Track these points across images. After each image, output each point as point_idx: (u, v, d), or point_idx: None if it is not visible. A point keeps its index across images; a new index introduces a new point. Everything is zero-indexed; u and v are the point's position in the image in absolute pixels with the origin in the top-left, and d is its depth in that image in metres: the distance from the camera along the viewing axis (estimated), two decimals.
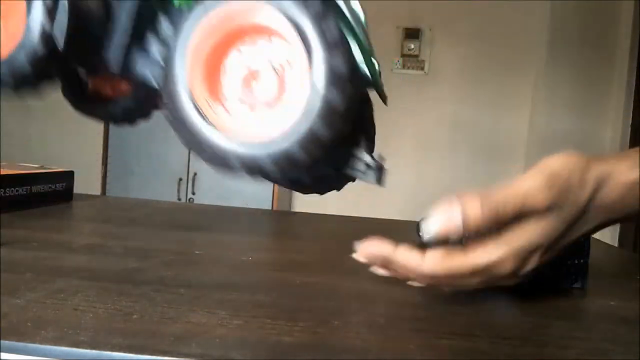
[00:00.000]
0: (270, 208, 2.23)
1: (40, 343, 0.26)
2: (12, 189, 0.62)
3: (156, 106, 0.45)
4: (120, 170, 2.46)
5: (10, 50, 0.37)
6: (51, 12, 0.37)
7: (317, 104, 0.31)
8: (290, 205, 2.61)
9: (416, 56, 2.50)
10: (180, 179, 2.41)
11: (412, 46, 2.48)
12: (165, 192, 2.38)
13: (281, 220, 0.76)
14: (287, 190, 2.52)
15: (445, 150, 2.55)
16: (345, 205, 1.67)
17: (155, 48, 0.39)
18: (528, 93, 2.47)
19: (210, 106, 0.34)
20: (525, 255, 0.34)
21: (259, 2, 0.32)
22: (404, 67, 2.53)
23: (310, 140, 0.32)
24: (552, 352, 0.29)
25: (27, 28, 0.37)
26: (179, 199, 2.41)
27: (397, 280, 0.43)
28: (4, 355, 0.25)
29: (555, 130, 2.35)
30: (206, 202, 2.22)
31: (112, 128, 2.43)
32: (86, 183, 1.39)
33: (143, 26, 0.39)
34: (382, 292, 0.40)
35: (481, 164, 2.49)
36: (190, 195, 2.42)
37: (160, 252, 0.47)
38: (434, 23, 2.50)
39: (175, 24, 0.36)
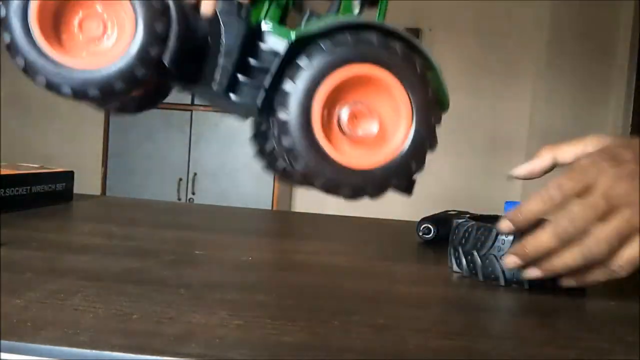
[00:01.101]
0: (270, 208, 2.23)
1: (40, 343, 0.26)
2: (12, 189, 0.62)
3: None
4: (120, 170, 2.46)
5: (106, 64, 0.37)
6: (162, 38, 0.37)
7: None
8: (290, 205, 2.61)
9: None
10: (180, 179, 2.41)
11: None
12: (165, 192, 2.38)
13: (281, 220, 0.76)
14: (287, 190, 2.52)
15: (446, 148, 2.54)
16: (345, 205, 1.66)
17: (256, 72, 0.40)
18: (528, 93, 2.47)
19: None
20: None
21: None
22: None
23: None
24: (552, 352, 0.29)
25: (132, 46, 0.37)
26: (179, 199, 2.41)
27: (397, 281, 0.43)
28: (4, 355, 0.25)
29: (556, 130, 2.35)
30: (206, 202, 2.22)
31: (112, 128, 2.43)
32: (86, 183, 1.39)
33: (245, 50, 0.40)
34: (382, 292, 0.40)
35: (481, 162, 2.49)
36: (190, 195, 2.42)
37: (160, 252, 0.47)
38: (434, 23, 2.51)
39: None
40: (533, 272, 0.39)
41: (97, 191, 2.42)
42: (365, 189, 0.39)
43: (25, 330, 0.27)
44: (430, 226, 0.59)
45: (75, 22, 0.38)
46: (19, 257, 0.42)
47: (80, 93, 0.37)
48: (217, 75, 0.39)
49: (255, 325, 0.30)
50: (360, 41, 0.38)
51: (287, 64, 0.38)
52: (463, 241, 0.44)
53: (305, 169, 0.38)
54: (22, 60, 0.36)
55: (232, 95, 0.40)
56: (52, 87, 0.36)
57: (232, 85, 0.39)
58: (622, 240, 0.37)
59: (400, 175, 0.39)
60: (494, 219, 0.43)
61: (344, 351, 0.27)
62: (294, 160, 0.38)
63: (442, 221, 0.58)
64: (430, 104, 0.39)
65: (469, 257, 0.43)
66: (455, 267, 0.45)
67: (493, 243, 0.41)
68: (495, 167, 2.45)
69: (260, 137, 0.47)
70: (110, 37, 0.38)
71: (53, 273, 0.38)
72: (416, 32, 2.49)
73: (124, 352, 0.25)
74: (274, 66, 0.39)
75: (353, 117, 0.38)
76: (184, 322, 0.30)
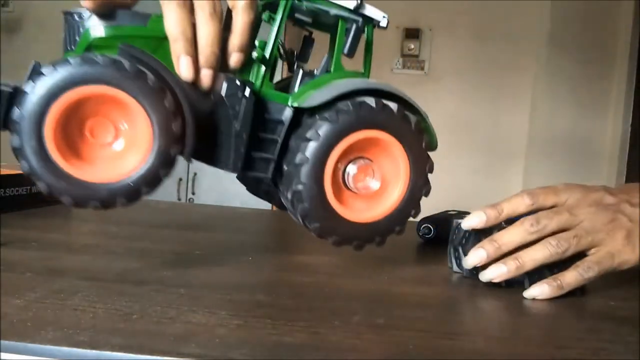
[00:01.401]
0: (270, 208, 2.22)
1: (40, 343, 0.26)
2: (12, 189, 0.62)
3: None
4: None
5: (128, 173, 0.36)
6: (179, 135, 0.36)
7: None
8: None
9: (416, 56, 2.50)
10: (180, 179, 2.41)
11: (412, 46, 2.48)
12: (165, 192, 2.38)
13: (281, 220, 0.76)
14: None
15: (445, 149, 2.54)
16: None
17: (267, 146, 0.40)
18: (528, 93, 2.47)
19: None
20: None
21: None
22: (404, 67, 2.53)
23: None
24: (552, 352, 0.29)
25: (152, 153, 0.36)
26: (179, 199, 2.41)
27: (397, 281, 0.43)
28: (4, 355, 0.25)
29: (556, 130, 2.35)
30: (206, 202, 2.22)
31: None
32: None
33: (255, 126, 0.40)
34: (382, 292, 0.40)
35: (481, 163, 2.49)
36: (190, 195, 2.41)
37: (160, 252, 0.47)
38: (434, 23, 2.50)
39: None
40: (498, 269, 0.40)
41: None
42: (373, 239, 0.42)
43: (25, 330, 0.27)
44: (430, 226, 0.59)
45: (87, 131, 0.36)
46: (19, 257, 0.42)
47: (108, 204, 0.36)
48: (231, 159, 0.39)
49: (255, 325, 0.30)
50: (361, 107, 0.39)
51: (292, 128, 0.40)
52: (463, 241, 0.44)
53: (319, 230, 0.40)
54: (45, 185, 0.35)
55: (248, 173, 0.40)
56: (79, 204, 0.35)
57: (245, 161, 0.40)
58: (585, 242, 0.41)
59: (402, 222, 0.42)
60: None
61: (344, 351, 0.27)
62: (308, 222, 0.40)
63: (442, 221, 0.58)
64: (425, 156, 0.42)
65: None
66: (455, 267, 0.45)
67: None
68: (495, 167, 2.44)
69: (250, 182, 0.48)
70: (122, 139, 0.37)
71: (53, 273, 0.38)
72: (416, 32, 2.49)
73: (124, 352, 0.25)
74: (280, 136, 0.40)
75: (358, 174, 0.41)
76: (184, 322, 0.30)
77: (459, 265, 0.44)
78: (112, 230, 0.57)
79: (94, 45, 0.37)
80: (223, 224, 0.67)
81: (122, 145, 0.37)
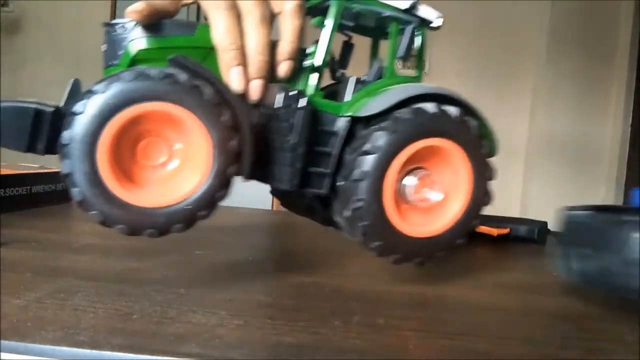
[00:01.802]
0: (270, 208, 2.22)
1: (40, 343, 0.26)
2: (12, 189, 0.62)
3: None
4: None
5: (185, 196, 0.33)
6: (237, 153, 0.34)
7: None
8: None
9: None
10: None
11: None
12: None
13: (281, 220, 0.76)
14: None
15: None
16: None
17: (321, 159, 0.38)
18: (528, 93, 2.47)
19: None
20: None
21: None
22: (404, 67, 2.53)
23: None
24: (552, 352, 0.29)
25: (210, 175, 0.33)
26: None
27: (398, 281, 0.43)
28: (4, 355, 0.25)
29: (555, 130, 2.35)
30: None
31: None
32: None
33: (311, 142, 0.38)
34: (383, 292, 0.40)
35: None
36: None
37: (160, 252, 0.47)
38: None
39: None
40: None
41: None
42: (436, 254, 0.39)
43: (25, 330, 0.27)
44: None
45: (139, 152, 0.33)
46: (19, 257, 0.42)
47: (165, 231, 0.33)
48: (287, 175, 0.37)
49: (255, 325, 0.30)
50: (419, 114, 0.37)
51: (347, 140, 0.38)
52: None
53: (381, 248, 0.38)
54: (99, 214, 0.32)
55: (304, 189, 0.38)
56: (134, 232, 0.33)
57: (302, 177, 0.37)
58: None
59: (464, 234, 0.40)
60: (619, 210, 0.38)
61: (344, 351, 0.27)
62: (369, 241, 0.38)
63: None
64: (486, 163, 0.40)
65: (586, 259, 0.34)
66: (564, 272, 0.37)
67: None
68: (496, 167, 2.44)
69: (289, 197, 0.45)
70: (176, 159, 0.34)
71: (53, 273, 0.38)
72: None
73: (124, 352, 0.25)
74: (336, 149, 0.37)
75: (418, 186, 0.38)
76: (184, 322, 0.30)
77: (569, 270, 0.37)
78: (112, 230, 0.57)
79: (138, 59, 0.35)
80: (223, 224, 0.67)
81: (177, 166, 0.34)
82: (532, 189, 2.28)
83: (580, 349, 0.30)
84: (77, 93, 0.34)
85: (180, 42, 0.36)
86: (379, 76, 0.40)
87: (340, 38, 0.43)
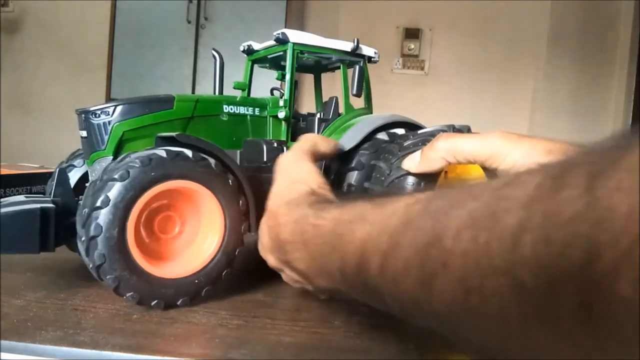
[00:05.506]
0: None
1: (40, 343, 0.26)
2: (12, 189, 0.62)
3: None
4: None
5: (210, 259, 0.34)
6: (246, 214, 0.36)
7: None
8: None
9: (416, 56, 2.50)
10: None
11: (412, 46, 2.48)
12: None
13: None
14: None
15: None
16: None
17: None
18: (528, 93, 2.47)
19: None
20: None
21: None
22: (404, 67, 2.53)
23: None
24: None
25: (222, 249, 0.34)
26: None
27: None
28: (4, 355, 0.25)
29: (555, 130, 2.35)
30: None
31: None
32: None
33: None
34: None
35: None
36: None
37: None
38: (434, 23, 2.50)
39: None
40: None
41: None
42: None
43: (25, 330, 0.27)
44: None
45: (155, 227, 0.34)
46: (19, 257, 0.42)
47: (171, 304, 0.32)
48: None
49: (255, 325, 0.30)
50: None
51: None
52: None
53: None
54: (137, 295, 0.31)
55: None
56: (142, 302, 0.32)
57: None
58: None
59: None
60: None
61: (344, 351, 0.27)
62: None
63: None
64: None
65: None
66: None
67: None
68: None
69: None
70: (187, 232, 0.35)
71: (53, 273, 0.38)
72: (416, 32, 2.49)
73: (124, 352, 0.25)
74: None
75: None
76: (184, 322, 0.30)
77: None
78: None
79: (125, 139, 0.37)
80: None
81: (188, 239, 0.35)
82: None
83: None
84: (63, 182, 0.37)
85: (163, 117, 0.38)
86: (337, 112, 0.45)
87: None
